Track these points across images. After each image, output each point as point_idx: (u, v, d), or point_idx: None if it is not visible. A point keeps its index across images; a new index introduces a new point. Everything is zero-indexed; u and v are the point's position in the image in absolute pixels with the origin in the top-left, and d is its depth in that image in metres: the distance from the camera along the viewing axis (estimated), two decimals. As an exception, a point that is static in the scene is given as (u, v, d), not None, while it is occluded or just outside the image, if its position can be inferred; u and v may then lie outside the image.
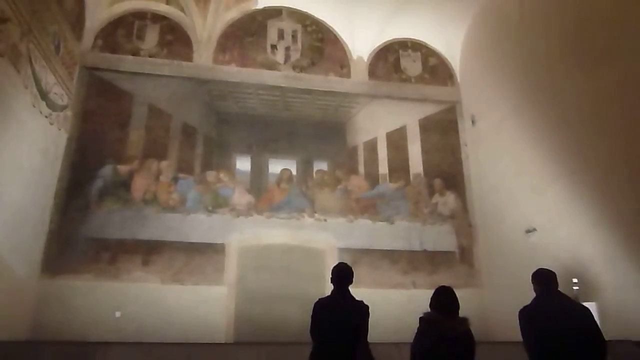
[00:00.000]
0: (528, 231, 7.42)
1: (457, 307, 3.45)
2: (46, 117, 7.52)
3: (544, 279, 3.83)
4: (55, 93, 7.80)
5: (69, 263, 7.66)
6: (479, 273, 8.77)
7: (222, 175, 8.76)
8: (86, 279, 7.61)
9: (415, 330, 3.44)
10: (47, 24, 7.34)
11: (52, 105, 7.66)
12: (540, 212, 7.26)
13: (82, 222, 7.95)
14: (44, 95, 7.37)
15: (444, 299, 3.47)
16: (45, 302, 7.34)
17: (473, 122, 9.47)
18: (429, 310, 3.47)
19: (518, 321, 3.65)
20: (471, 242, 9.05)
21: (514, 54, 8.16)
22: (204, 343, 4.68)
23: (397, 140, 9.65)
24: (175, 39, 9.48)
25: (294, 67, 9.76)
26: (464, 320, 3.42)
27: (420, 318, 3.44)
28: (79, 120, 8.54)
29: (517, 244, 7.65)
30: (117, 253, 7.90)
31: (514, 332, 3.77)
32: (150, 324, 7.32)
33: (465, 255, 8.97)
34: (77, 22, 8.63)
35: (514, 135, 8.03)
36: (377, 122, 9.70)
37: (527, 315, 3.67)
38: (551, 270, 3.87)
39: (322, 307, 3.59)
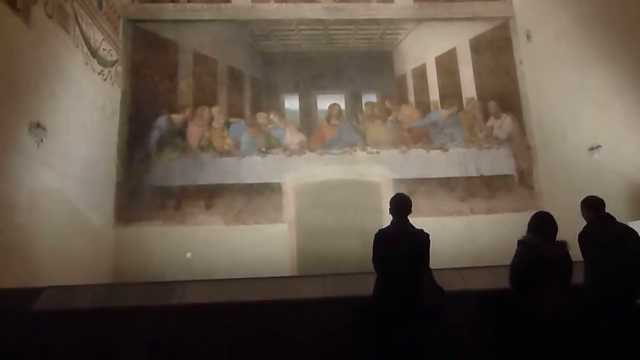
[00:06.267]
0: (592, 149, 7.08)
1: (555, 230, 3.52)
2: (99, 73, 7.75)
3: (595, 205, 3.82)
4: (104, 49, 7.97)
5: (139, 211, 8.15)
6: (539, 195, 8.56)
7: (272, 116, 8.83)
8: (156, 225, 8.10)
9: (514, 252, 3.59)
10: (88, -20, 7.39)
11: (102, 62, 7.86)
12: (604, 129, 6.87)
13: (146, 172, 8.34)
14: (94, 52, 7.56)
15: (542, 223, 3.54)
16: (122, 248, 7.92)
17: (529, 37, 8.88)
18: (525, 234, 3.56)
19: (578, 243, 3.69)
20: (530, 164, 8.77)
21: (573, -44, 7.45)
22: (271, 277, 4.92)
23: (447, 64, 9.26)
24: (212, -20, 9.30)
25: (334, -2, 9.41)
26: (563, 244, 3.49)
27: (519, 241, 3.56)
28: (130, 74, 8.74)
29: (581, 163, 7.34)
30: (181, 199, 8.30)
31: (577, 253, 3.74)
32: (219, 262, 7.75)
33: (524, 178, 8.74)
34: (115, -25, 8.63)
35: (575, 49, 7.48)
36: (425, 47, 9.30)
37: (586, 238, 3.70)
38: (599, 197, 3.88)
39: (383, 238, 3.66)
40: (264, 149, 8.63)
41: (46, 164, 6.02)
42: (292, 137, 8.76)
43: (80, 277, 6.36)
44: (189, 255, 7.87)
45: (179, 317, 3.97)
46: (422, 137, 8.89)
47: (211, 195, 8.33)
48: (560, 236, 3.59)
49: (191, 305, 4.05)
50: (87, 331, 3.86)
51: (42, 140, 5.89)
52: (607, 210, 3.83)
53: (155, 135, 8.52)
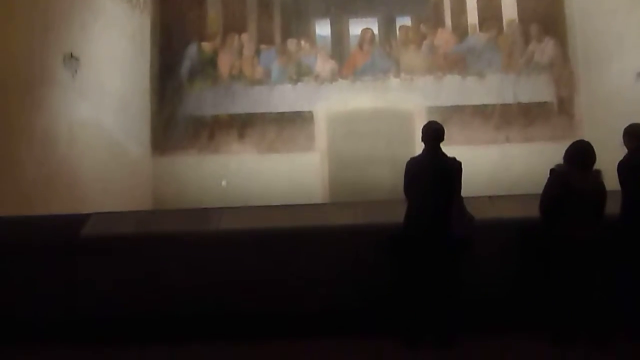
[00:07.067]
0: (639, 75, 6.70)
1: (591, 161, 3.43)
2: (127, 1, 7.64)
3: (638, 133, 3.65)
4: (132, -25, 7.81)
5: (174, 141, 8.32)
6: (580, 124, 8.23)
7: (303, 42, 8.61)
8: (191, 155, 8.29)
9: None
10: None
11: (130, -12, 7.74)
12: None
13: (179, 103, 8.43)
14: (121, -22, 7.43)
15: (578, 152, 3.47)
16: (160, 177, 8.19)
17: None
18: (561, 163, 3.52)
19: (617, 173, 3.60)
20: (572, 91, 8.37)
21: None
22: (303, 204, 5.03)
23: (487, -17, 8.68)
24: None
25: None
26: (597, 173, 3.42)
27: (551, 170, 3.51)
28: (158, 1, 8.57)
29: (626, 90, 6.96)
30: (214, 129, 8.40)
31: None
32: (253, 190, 7.95)
33: (564, 105, 8.38)
34: None
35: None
36: (464, -36, 8.71)
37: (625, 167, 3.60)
38: None
39: (414, 166, 3.66)
40: (295, 77, 8.52)
41: (82, 95, 6.14)
42: (324, 65, 8.58)
43: (123, 204, 6.66)
44: (224, 183, 8.09)
45: (217, 241, 4.15)
46: (458, 63, 8.54)
47: (244, 124, 8.39)
48: (601, 166, 3.52)
49: (228, 231, 4.21)
50: (132, 255, 4.09)
51: (76, 72, 5.97)
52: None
53: (186, 64, 8.51)
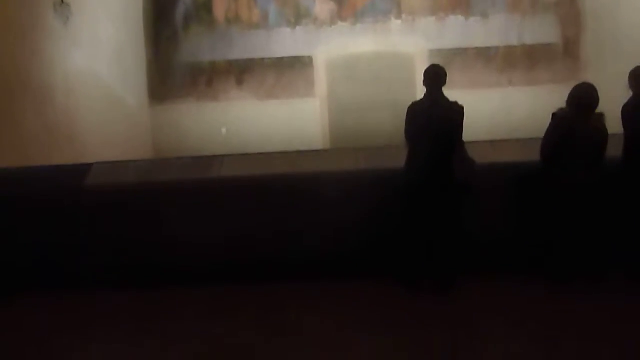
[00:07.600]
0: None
1: (594, 104, 3.37)
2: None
3: None
4: None
5: (171, 89, 8.22)
6: (585, 67, 8.06)
7: (300, -18, 8.32)
8: (189, 102, 8.21)
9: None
10: None
11: None
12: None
13: (175, 50, 8.25)
14: None
15: (581, 95, 3.40)
16: (159, 125, 8.15)
17: None
18: (562, 107, 3.46)
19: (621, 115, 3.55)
20: (578, 32, 8.13)
21: None
22: (304, 150, 5.01)
23: None
24: None
25: None
26: (599, 117, 3.37)
27: (553, 114, 3.46)
28: (149, -59, 8.22)
29: (634, 31, 6.74)
30: (212, 75, 8.27)
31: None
32: (253, 137, 7.92)
33: (570, 47, 8.18)
34: None
35: None
36: None
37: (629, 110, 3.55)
38: None
39: (416, 110, 3.61)
40: (293, 20, 8.28)
41: (75, 44, 5.99)
42: (322, 6, 8.32)
43: (123, 154, 6.65)
44: (224, 131, 8.05)
45: (218, 188, 4.16)
46: (461, 2, 8.27)
47: (242, 70, 8.25)
48: (606, 109, 3.46)
49: (229, 178, 4.22)
50: (135, 204, 4.12)
51: (67, 18, 5.79)
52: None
53: (180, 9, 8.26)
